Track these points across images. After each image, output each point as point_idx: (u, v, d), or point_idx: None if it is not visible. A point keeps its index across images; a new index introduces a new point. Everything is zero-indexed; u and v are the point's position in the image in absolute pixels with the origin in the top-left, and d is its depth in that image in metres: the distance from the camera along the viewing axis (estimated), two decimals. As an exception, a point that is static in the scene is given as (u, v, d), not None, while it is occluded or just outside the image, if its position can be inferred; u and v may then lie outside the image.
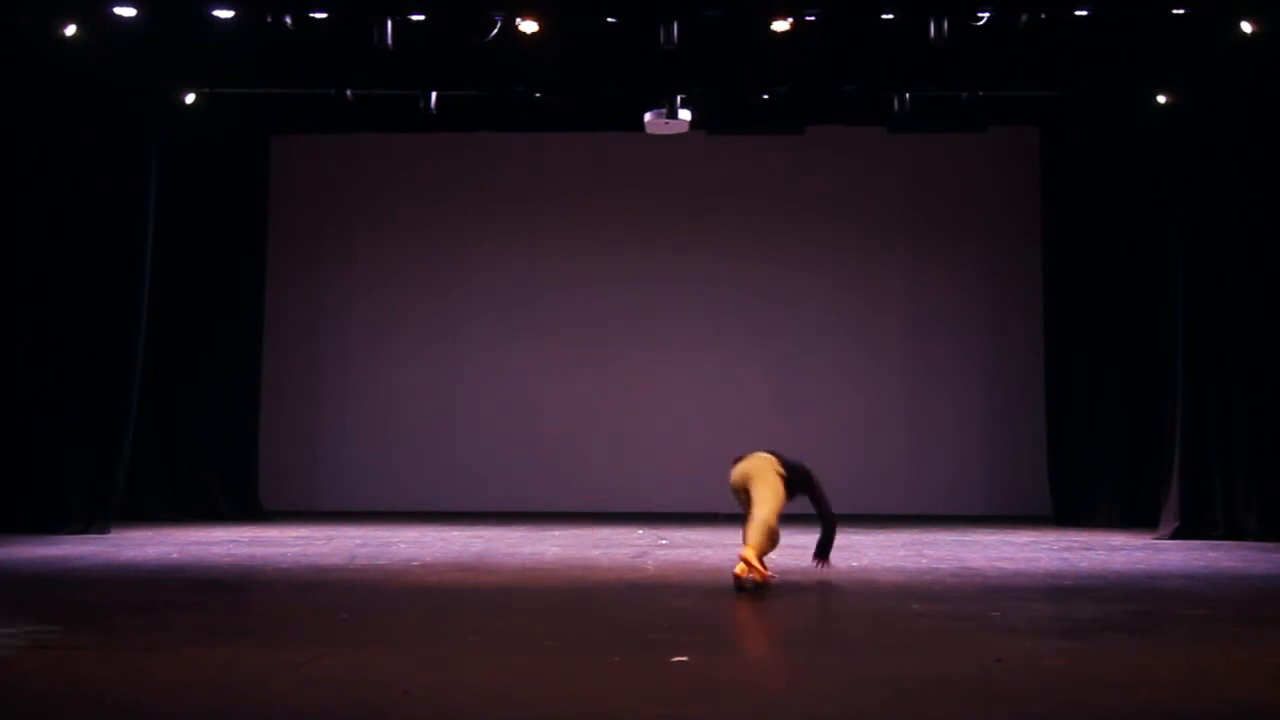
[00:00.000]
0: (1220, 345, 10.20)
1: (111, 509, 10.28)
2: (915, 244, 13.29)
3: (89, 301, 10.31)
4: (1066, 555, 8.81)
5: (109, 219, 10.38)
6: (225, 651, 5.06)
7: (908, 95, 10.84)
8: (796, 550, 7.74)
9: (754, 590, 6.67)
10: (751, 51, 9.98)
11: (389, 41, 9.37)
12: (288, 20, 9.49)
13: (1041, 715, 4.04)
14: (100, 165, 10.37)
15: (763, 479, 6.94)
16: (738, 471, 7.11)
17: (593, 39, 9.91)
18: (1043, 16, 9.37)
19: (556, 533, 10.31)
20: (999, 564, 8.23)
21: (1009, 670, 4.65)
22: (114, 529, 10.15)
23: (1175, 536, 9.94)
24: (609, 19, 9.64)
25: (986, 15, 9.31)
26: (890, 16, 9.45)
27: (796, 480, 7.06)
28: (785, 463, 7.08)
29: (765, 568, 6.75)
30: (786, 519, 6.99)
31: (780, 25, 9.50)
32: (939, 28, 9.20)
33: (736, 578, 6.63)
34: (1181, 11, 9.40)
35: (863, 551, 8.84)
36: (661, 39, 9.34)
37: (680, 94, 10.63)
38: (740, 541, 6.90)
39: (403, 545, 9.27)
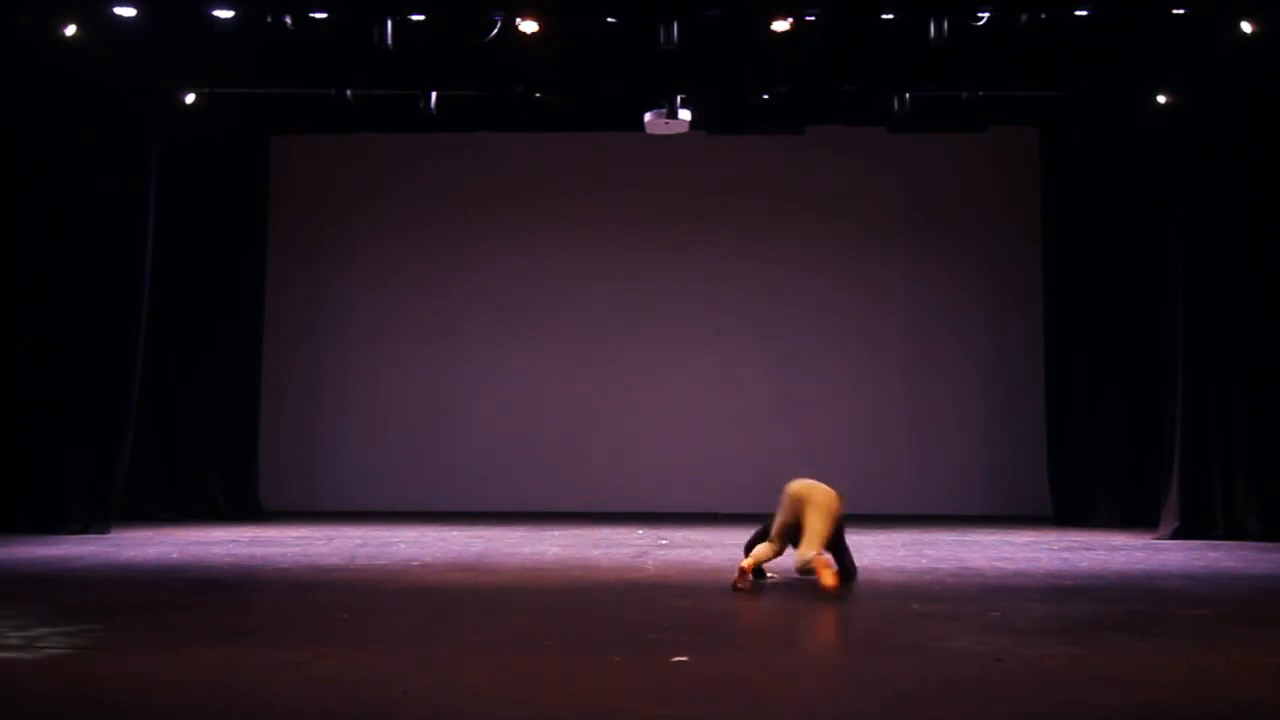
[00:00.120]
0: (1220, 345, 10.21)
1: (111, 509, 10.28)
2: (915, 244, 13.29)
3: (89, 301, 10.32)
4: (1066, 555, 8.81)
5: (109, 219, 10.38)
6: (225, 651, 5.06)
7: (908, 95, 10.83)
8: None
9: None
10: (751, 51, 9.98)
11: (389, 41, 9.37)
12: (288, 20, 9.49)
13: (1041, 715, 4.04)
14: (100, 165, 10.38)
15: (825, 516, 6.90)
16: (805, 490, 7.02)
17: (593, 39, 9.91)
18: (1043, 16, 9.37)
19: (556, 533, 10.31)
20: (999, 564, 8.23)
21: (1009, 670, 4.66)
22: (114, 529, 10.15)
23: (1175, 536, 9.95)
24: (609, 19, 9.64)
25: (986, 15, 9.31)
26: (890, 16, 9.45)
27: (840, 533, 7.06)
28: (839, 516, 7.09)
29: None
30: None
31: (780, 25, 9.50)
32: (939, 28, 9.20)
33: (829, 589, 6.59)
34: (1181, 11, 9.40)
35: (863, 551, 8.80)
36: (661, 39, 9.34)
37: (680, 94, 10.62)
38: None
39: (403, 545, 9.28)
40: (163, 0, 9.53)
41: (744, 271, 13.28)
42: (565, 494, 12.82)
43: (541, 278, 13.36)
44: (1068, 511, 11.60)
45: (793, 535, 6.92)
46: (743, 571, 6.80)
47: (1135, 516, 11.06)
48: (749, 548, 7.14)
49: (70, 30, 9.65)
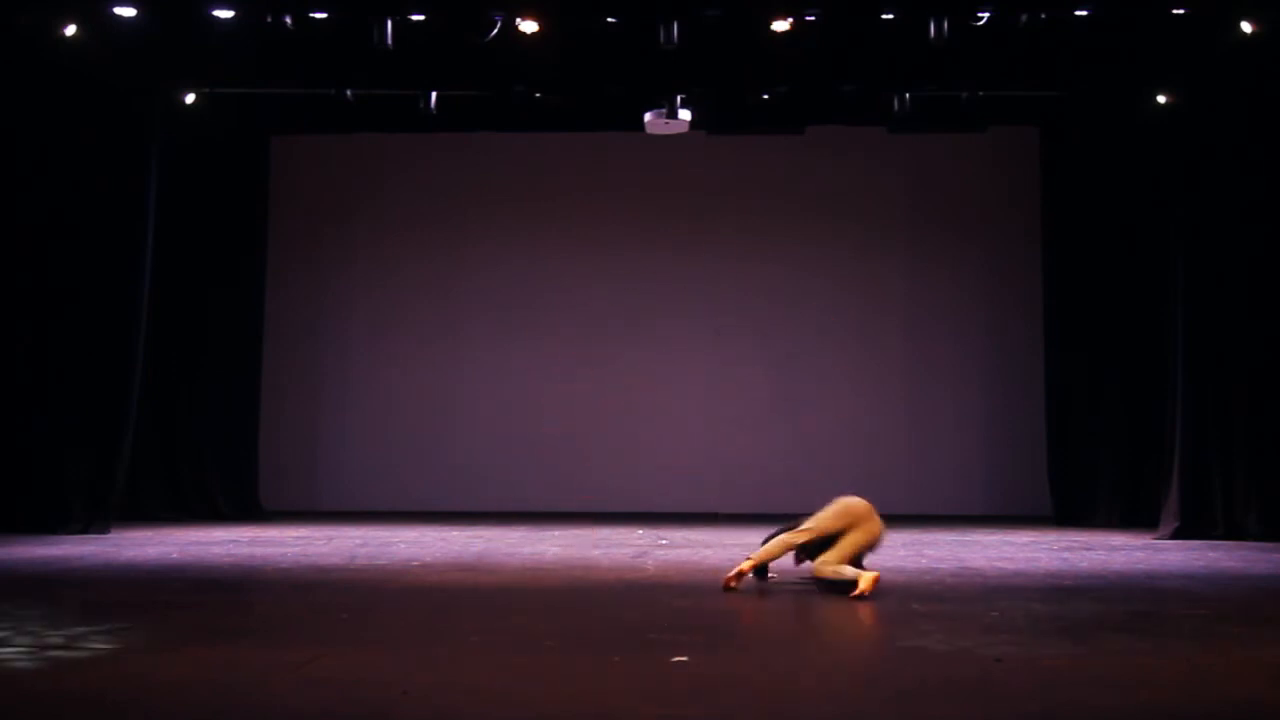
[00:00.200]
0: (1220, 345, 10.20)
1: (111, 509, 10.28)
2: (915, 244, 13.29)
3: (89, 301, 10.31)
4: (1066, 555, 8.81)
5: (109, 219, 10.38)
6: (225, 651, 5.06)
7: (908, 95, 10.84)
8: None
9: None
10: (751, 51, 9.98)
11: (389, 41, 9.38)
12: (288, 20, 9.49)
13: (1041, 715, 4.04)
14: (100, 165, 10.37)
15: (866, 544, 6.91)
16: (866, 512, 6.98)
17: (593, 39, 9.92)
18: (1043, 16, 9.38)
19: (556, 533, 10.31)
20: (999, 564, 8.23)
21: (1009, 670, 4.65)
22: (114, 529, 10.15)
23: (1175, 536, 9.95)
24: (609, 19, 9.64)
25: (986, 15, 9.31)
26: (890, 16, 9.45)
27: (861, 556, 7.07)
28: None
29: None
30: (786, 519, 7.11)
31: (780, 25, 9.50)
32: (939, 28, 9.20)
33: (861, 594, 6.55)
34: (1181, 11, 9.40)
35: (863, 551, 8.83)
36: (661, 39, 9.34)
37: (680, 94, 10.63)
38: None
39: (403, 545, 9.27)
40: (163, 0, 9.54)
41: (744, 271, 13.29)
42: (565, 494, 12.82)
43: (541, 278, 13.36)
44: (1068, 511, 11.61)
45: (823, 545, 6.88)
46: (740, 572, 6.77)
47: (1135, 516, 11.06)
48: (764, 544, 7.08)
49: (70, 30, 9.66)
